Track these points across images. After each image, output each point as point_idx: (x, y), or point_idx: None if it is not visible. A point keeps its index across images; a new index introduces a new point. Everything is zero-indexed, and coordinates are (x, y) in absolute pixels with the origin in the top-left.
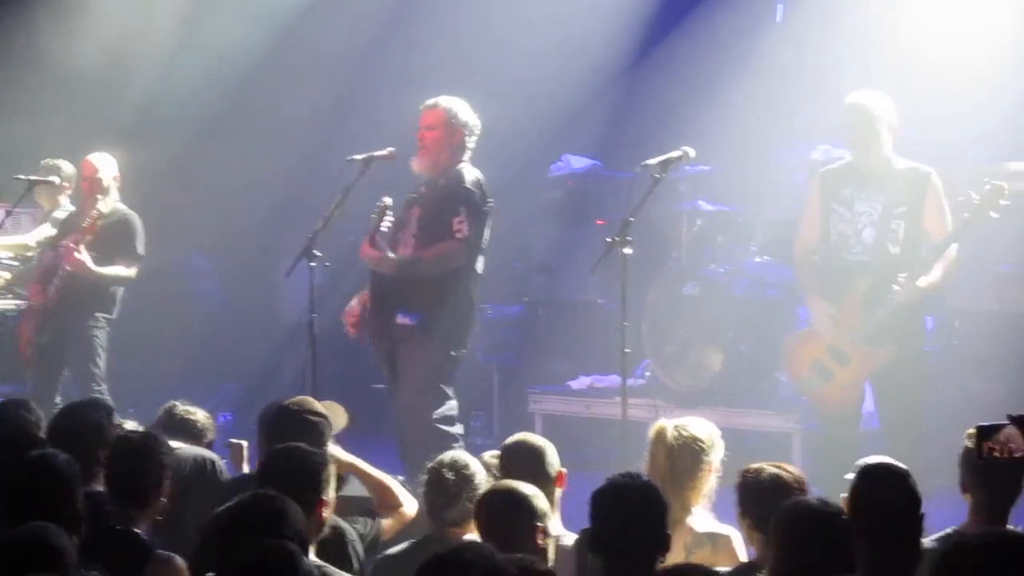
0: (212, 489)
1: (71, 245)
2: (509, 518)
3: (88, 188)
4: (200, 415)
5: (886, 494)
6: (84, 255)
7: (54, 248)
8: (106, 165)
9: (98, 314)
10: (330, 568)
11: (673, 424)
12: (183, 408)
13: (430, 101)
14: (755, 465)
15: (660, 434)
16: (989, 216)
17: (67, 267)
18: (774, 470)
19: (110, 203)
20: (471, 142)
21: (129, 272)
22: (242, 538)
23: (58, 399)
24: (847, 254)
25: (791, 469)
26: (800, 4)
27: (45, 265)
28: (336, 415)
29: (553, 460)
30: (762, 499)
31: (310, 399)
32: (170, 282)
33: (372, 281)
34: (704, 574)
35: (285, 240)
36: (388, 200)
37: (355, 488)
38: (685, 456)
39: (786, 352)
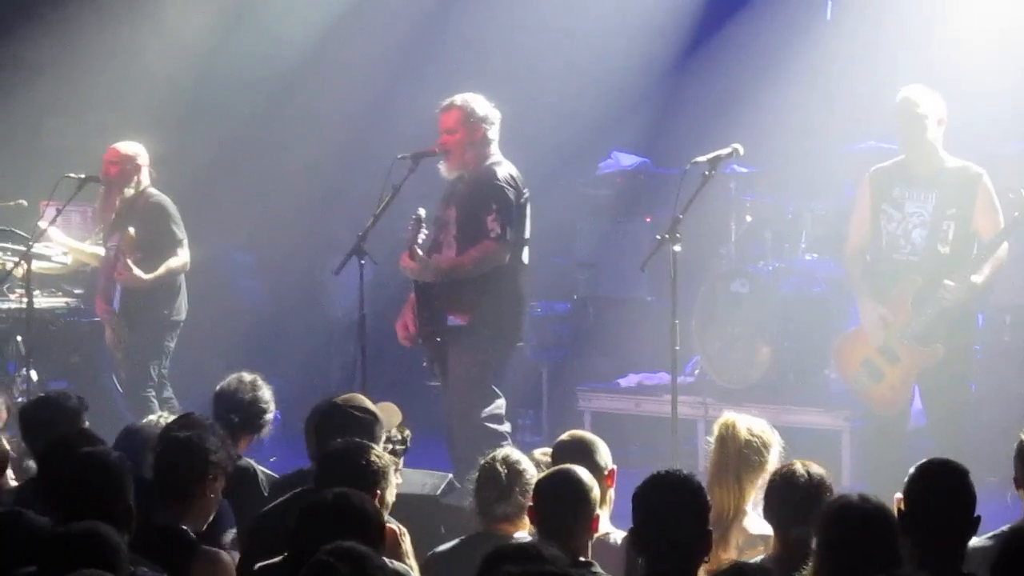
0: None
1: (119, 264)
2: (568, 500)
3: (114, 174)
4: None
5: (943, 492)
6: (132, 269)
7: (108, 257)
8: (131, 152)
9: (164, 312)
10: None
11: (743, 421)
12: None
13: (445, 102)
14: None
15: (731, 429)
16: None
17: (119, 282)
18: (796, 468)
19: (138, 188)
20: (493, 133)
21: (179, 261)
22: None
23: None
24: (897, 254)
25: (813, 468)
26: (850, 1)
27: (104, 280)
28: (390, 415)
29: (604, 456)
30: (774, 497)
31: (359, 395)
32: (213, 278)
33: (417, 285)
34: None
35: (328, 236)
36: (422, 212)
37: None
38: (753, 453)
39: (836, 351)
